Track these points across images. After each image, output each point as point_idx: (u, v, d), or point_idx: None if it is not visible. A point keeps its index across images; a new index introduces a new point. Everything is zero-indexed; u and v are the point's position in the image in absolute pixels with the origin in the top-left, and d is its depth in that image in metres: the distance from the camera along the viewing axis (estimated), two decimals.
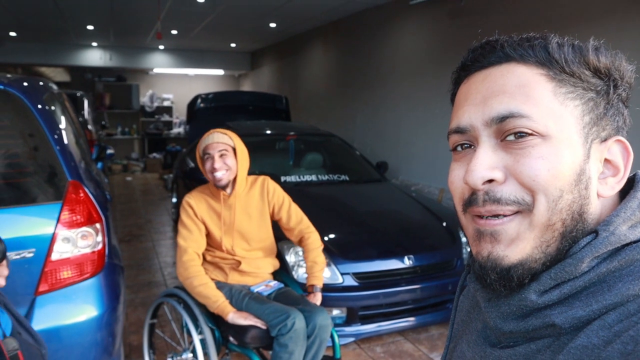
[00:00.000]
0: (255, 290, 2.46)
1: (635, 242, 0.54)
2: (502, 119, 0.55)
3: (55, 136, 2.26)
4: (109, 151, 4.44)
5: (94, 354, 2.21)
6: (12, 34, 9.56)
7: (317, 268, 2.50)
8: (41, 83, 2.80)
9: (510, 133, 0.55)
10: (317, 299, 2.42)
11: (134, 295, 4.22)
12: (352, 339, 3.23)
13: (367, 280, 3.23)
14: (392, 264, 3.31)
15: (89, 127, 7.94)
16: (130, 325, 3.61)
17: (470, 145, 0.60)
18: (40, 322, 2.02)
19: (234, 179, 2.41)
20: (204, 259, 2.49)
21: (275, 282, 2.57)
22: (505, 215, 0.56)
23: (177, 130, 13.09)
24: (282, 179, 4.37)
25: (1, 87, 2.17)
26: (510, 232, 0.56)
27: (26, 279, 2.02)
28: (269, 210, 2.54)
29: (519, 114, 0.55)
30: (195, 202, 2.43)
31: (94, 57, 11.51)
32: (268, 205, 2.53)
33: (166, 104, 13.54)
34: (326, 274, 3.07)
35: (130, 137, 13.08)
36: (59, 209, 2.11)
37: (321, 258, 2.53)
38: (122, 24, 8.66)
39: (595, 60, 0.56)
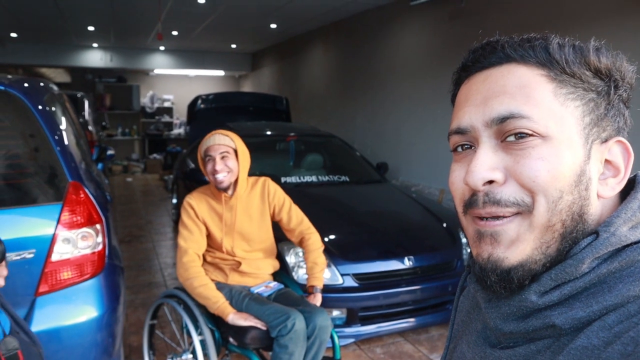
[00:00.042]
0: (255, 291, 2.46)
1: (635, 243, 0.54)
2: (503, 119, 0.55)
3: (56, 137, 2.26)
4: (110, 152, 4.44)
5: (94, 355, 2.21)
6: (13, 34, 9.57)
7: (317, 269, 2.50)
8: (42, 84, 2.80)
9: (510, 134, 0.55)
10: (317, 299, 2.42)
11: (134, 296, 4.22)
12: (352, 340, 3.23)
13: (367, 281, 3.22)
14: (392, 265, 3.30)
15: (90, 128, 7.95)
16: (130, 326, 3.61)
17: (470, 146, 0.60)
18: (41, 322, 2.02)
19: (235, 181, 2.41)
20: (204, 259, 2.49)
21: (275, 283, 2.57)
22: (505, 217, 0.56)
23: (178, 131, 13.09)
24: (283, 179, 4.37)
25: (2, 88, 2.17)
26: (510, 233, 0.56)
27: (26, 279, 2.02)
28: (269, 212, 2.54)
29: (520, 115, 0.54)
30: (197, 202, 2.42)
31: (95, 58, 11.51)
32: (269, 207, 2.53)
33: (166, 104, 13.54)
34: (326, 274, 3.07)
35: (131, 138, 13.09)
36: (60, 209, 2.11)
37: (322, 259, 2.53)
38: (122, 24, 8.67)
39: (596, 61, 0.56)
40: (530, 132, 0.54)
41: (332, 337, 2.43)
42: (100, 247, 2.21)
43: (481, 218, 0.57)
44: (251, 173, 2.53)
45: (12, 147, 2.30)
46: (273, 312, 2.21)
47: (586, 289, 0.54)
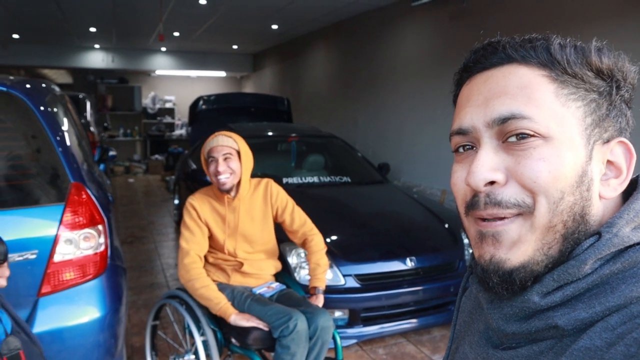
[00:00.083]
0: (257, 291, 2.46)
1: (638, 243, 0.54)
2: (504, 120, 0.55)
3: (58, 138, 2.26)
4: (111, 153, 4.44)
5: (97, 356, 2.21)
6: (15, 36, 9.59)
7: (319, 270, 2.50)
8: (44, 85, 2.81)
9: (512, 134, 0.55)
10: (319, 300, 2.42)
11: (136, 296, 4.22)
12: (354, 341, 3.22)
13: (369, 282, 3.22)
14: (394, 266, 3.30)
15: (92, 128, 7.95)
16: (133, 326, 3.61)
17: (472, 146, 0.60)
18: (43, 323, 2.03)
19: (238, 182, 2.41)
20: (206, 260, 2.49)
21: (277, 283, 2.57)
22: (506, 218, 0.56)
23: (179, 132, 13.11)
24: (284, 180, 4.38)
25: (4, 89, 2.18)
26: (511, 234, 0.56)
27: (29, 280, 2.03)
28: (272, 213, 2.54)
29: (521, 116, 0.54)
30: (199, 204, 2.42)
31: (96, 59, 11.53)
32: (271, 208, 2.53)
33: (168, 105, 13.56)
34: (328, 275, 3.07)
35: (133, 138, 13.11)
36: (62, 210, 2.11)
37: (324, 260, 2.53)
38: (124, 25, 8.69)
39: (597, 62, 0.56)
40: (531, 133, 0.54)
41: (334, 338, 2.43)
42: (102, 248, 2.21)
43: (483, 219, 0.57)
44: (253, 174, 2.53)
45: (14, 148, 2.30)
46: (275, 313, 2.20)
47: (589, 290, 0.53)
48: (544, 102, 0.55)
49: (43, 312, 2.04)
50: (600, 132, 0.56)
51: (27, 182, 2.23)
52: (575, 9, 4.04)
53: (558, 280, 0.54)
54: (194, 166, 5.53)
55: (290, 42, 10.33)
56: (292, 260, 3.17)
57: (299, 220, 2.56)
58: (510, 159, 0.55)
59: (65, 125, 2.63)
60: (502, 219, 0.56)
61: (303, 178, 4.59)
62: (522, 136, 0.54)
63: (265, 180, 2.58)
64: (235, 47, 11.53)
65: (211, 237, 2.44)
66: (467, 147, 0.61)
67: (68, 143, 2.38)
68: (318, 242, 2.55)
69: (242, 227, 2.43)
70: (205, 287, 2.30)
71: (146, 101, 13.26)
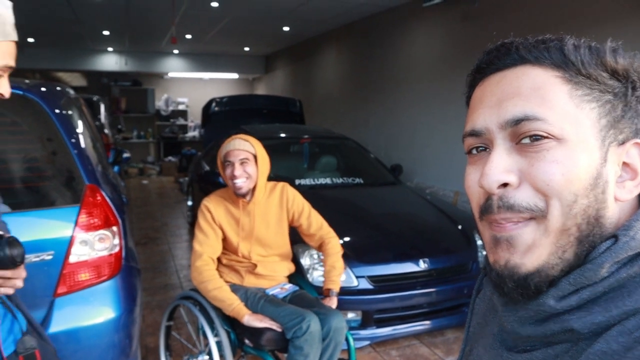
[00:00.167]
0: (270, 292, 2.46)
1: None
2: (517, 121, 0.55)
3: (73, 140, 2.28)
4: (125, 155, 4.48)
5: (112, 356, 2.23)
6: (30, 40, 9.71)
7: (334, 273, 2.49)
8: (59, 88, 2.84)
9: (525, 136, 0.55)
10: (332, 302, 2.41)
11: (150, 297, 4.25)
12: (367, 342, 3.22)
13: (382, 284, 3.22)
14: (408, 267, 3.29)
15: (106, 131, 8.01)
16: (147, 327, 3.63)
17: (485, 148, 0.60)
18: (59, 323, 2.05)
19: (254, 186, 2.40)
20: (220, 261, 2.50)
21: (291, 284, 2.57)
22: (519, 222, 0.55)
23: (192, 133, 13.19)
24: (297, 182, 4.38)
25: (20, 92, 2.20)
26: (525, 238, 0.55)
27: (45, 281, 2.05)
28: (287, 218, 2.53)
29: (534, 117, 0.54)
30: (214, 206, 2.43)
31: (110, 62, 11.64)
32: (287, 213, 2.52)
33: (181, 107, 13.64)
34: (341, 277, 3.07)
35: (146, 140, 13.20)
36: (77, 212, 2.13)
37: (340, 263, 2.52)
38: (137, 29, 8.76)
39: (612, 62, 0.55)
40: (545, 135, 0.54)
41: (347, 340, 2.43)
42: (117, 249, 2.23)
43: (496, 223, 0.57)
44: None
45: (30, 150, 2.33)
46: (288, 314, 2.21)
47: (605, 294, 0.53)
48: (557, 103, 0.54)
49: (59, 312, 2.06)
50: (616, 133, 0.56)
51: (43, 184, 2.26)
52: (589, 9, 4.00)
53: (574, 284, 0.54)
54: (207, 168, 5.56)
55: (301, 43, 10.35)
56: (305, 261, 3.18)
57: (316, 224, 2.55)
58: (524, 160, 0.55)
59: (80, 128, 2.65)
60: (515, 222, 0.55)
61: (315, 179, 4.59)
62: (535, 138, 0.54)
63: (281, 184, 2.57)
64: (247, 49, 11.58)
65: (225, 240, 2.45)
66: (481, 148, 0.60)
67: (83, 145, 2.41)
68: (334, 245, 2.54)
69: (257, 231, 2.43)
70: (218, 288, 2.31)
71: (159, 103, 13.35)
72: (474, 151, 0.61)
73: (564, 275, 0.55)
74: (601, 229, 0.55)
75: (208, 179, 5.19)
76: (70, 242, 2.09)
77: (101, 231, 2.18)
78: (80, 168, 2.22)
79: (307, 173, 4.85)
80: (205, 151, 6.29)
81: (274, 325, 2.22)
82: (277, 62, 12.29)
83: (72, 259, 2.09)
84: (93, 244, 2.14)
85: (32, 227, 2.06)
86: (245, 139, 2.38)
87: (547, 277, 0.55)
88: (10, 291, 1.25)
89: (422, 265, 3.29)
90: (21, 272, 1.25)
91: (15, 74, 1.19)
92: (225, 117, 6.81)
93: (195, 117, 13.22)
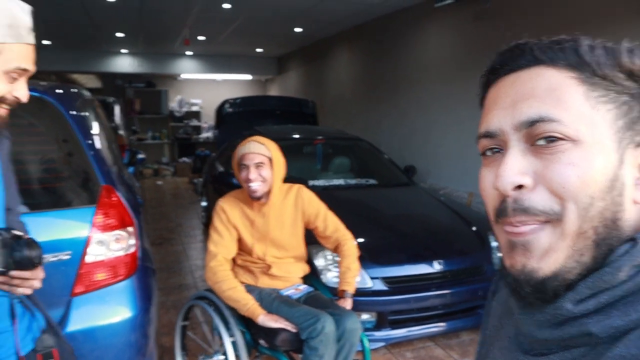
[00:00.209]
0: (285, 293, 2.46)
1: None
2: (532, 123, 0.54)
3: (89, 142, 2.30)
4: (140, 156, 4.51)
5: (128, 355, 2.24)
6: (46, 42, 9.82)
7: (350, 274, 2.48)
8: (74, 90, 2.86)
9: (540, 137, 0.54)
10: (347, 304, 2.40)
11: (165, 297, 4.28)
12: (382, 344, 3.21)
13: (396, 285, 3.21)
14: (422, 269, 3.28)
15: (120, 132, 8.06)
16: (163, 327, 3.65)
17: (500, 149, 0.59)
18: (77, 322, 2.06)
19: (269, 189, 2.39)
20: (235, 262, 2.51)
21: (305, 285, 2.57)
22: (535, 225, 0.55)
23: (206, 134, 13.26)
24: (310, 183, 4.38)
25: (37, 94, 2.22)
26: (542, 242, 0.54)
27: (63, 280, 2.07)
28: (302, 220, 2.52)
29: (549, 118, 0.53)
30: (229, 207, 2.43)
31: (124, 63, 11.75)
32: (302, 215, 2.51)
33: (195, 109, 13.71)
34: (356, 278, 3.07)
35: (161, 141, 13.30)
36: (93, 212, 2.15)
37: (355, 265, 2.51)
38: (150, 31, 8.83)
39: (628, 63, 0.54)
40: (560, 136, 0.53)
41: (362, 341, 2.42)
42: (132, 249, 2.24)
43: (512, 226, 0.56)
44: None
45: (47, 152, 2.35)
46: (303, 314, 2.21)
47: (624, 297, 0.52)
48: (573, 104, 0.53)
49: (76, 312, 2.08)
50: (633, 135, 0.54)
51: (60, 184, 2.28)
52: (605, 9, 3.96)
53: (592, 287, 0.53)
54: (221, 169, 5.58)
55: (314, 44, 10.36)
56: (319, 262, 3.17)
57: (332, 226, 2.53)
58: (539, 162, 0.54)
59: (96, 129, 2.67)
60: (530, 225, 0.55)
61: (329, 181, 4.59)
62: (550, 139, 0.53)
63: (296, 186, 2.56)
64: (259, 50, 11.62)
65: (240, 241, 2.45)
66: (495, 150, 0.59)
67: (98, 146, 2.43)
68: (350, 247, 2.53)
69: (272, 233, 2.43)
70: (233, 288, 2.31)
71: (173, 104, 13.44)
72: (489, 153, 0.61)
73: (581, 279, 0.54)
74: (619, 232, 0.54)
75: (222, 179, 5.21)
76: (86, 242, 2.11)
77: (117, 231, 2.19)
78: (96, 169, 2.24)
79: (321, 174, 4.85)
80: (219, 152, 6.32)
81: (289, 326, 2.21)
82: (289, 63, 12.32)
83: (89, 259, 2.11)
84: (109, 244, 2.16)
85: (50, 228, 2.08)
86: (261, 142, 2.36)
87: (565, 281, 0.54)
88: (29, 291, 1.26)
89: (437, 266, 3.28)
90: (39, 273, 1.26)
91: (31, 76, 1.21)
92: (238, 118, 6.83)
93: (208, 118, 13.29)
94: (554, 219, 0.53)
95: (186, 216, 7.74)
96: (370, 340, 2.96)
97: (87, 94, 3.22)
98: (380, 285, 3.16)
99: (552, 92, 0.54)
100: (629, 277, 0.52)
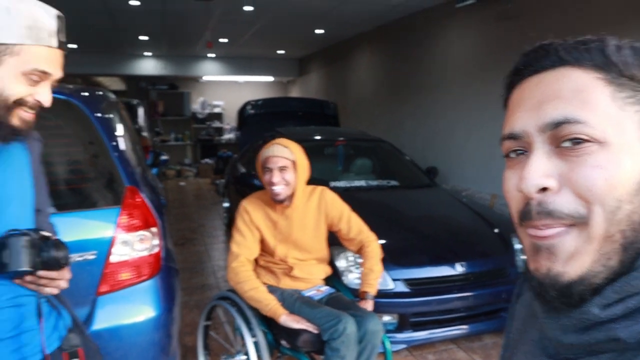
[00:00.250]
0: (307, 294, 2.47)
1: None
2: (557, 124, 0.53)
3: (113, 143, 2.34)
4: (164, 157, 4.56)
5: (152, 354, 2.27)
6: (73, 46, 10.01)
7: (372, 276, 2.47)
8: (100, 93, 2.91)
9: (566, 139, 0.53)
10: (368, 305, 2.40)
11: (188, 297, 4.32)
12: (403, 346, 3.19)
13: (418, 287, 3.19)
14: (444, 271, 3.26)
15: (144, 133, 8.17)
16: (186, 326, 3.68)
17: (524, 151, 0.58)
18: (102, 321, 2.10)
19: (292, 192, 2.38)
20: (257, 262, 2.52)
21: (327, 287, 2.56)
22: (560, 228, 0.54)
23: (228, 136, 13.36)
24: (332, 184, 4.38)
25: (64, 97, 2.26)
26: (567, 246, 0.53)
27: (88, 279, 2.10)
28: (325, 222, 2.50)
29: (575, 120, 0.52)
30: (253, 208, 2.43)
31: (148, 66, 11.91)
32: (325, 218, 2.49)
33: (217, 110, 13.83)
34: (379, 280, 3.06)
35: (183, 143, 13.45)
36: (118, 213, 2.18)
37: (378, 267, 2.49)
38: (174, 34, 8.93)
39: None
40: (586, 138, 0.52)
41: (383, 343, 2.41)
42: (156, 250, 2.27)
43: (536, 229, 0.55)
44: None
45: (73, 153, 2.39)
46: (324, 315, 2.21)
47: None
48: (599, 105, 0.52)
49: (102, 311, 2.11)
50: None
51: (85, 185, 2.32)
52: (633, 7, 3.88)
53: (620, 292, 0.52)
54: (243, 170, 5.61)
55: (335, 46, 10.36)
56: (341, 263, 3.17)
57: (356, 228, 2.52)
58: (564, 165, 0.53)
59: (120, 131, 2.71)
60: (555, 229, 0.54)
61: (350, 182, 4.58)
62: (576, 141, 0.52)
63: (320, 188, 2.54)
64: (281, 52, 11.67)
65: (262, 242, 2.45)
66: (519, 152, 0.59)
67: (123, 148, 2.46)
68: (374, 249, 2.51)
69: (294, 235, 2.43)
70: (255, 289, 2.32)
71: (195, 106, 13.57)
72: (513, 155, 0.60)
73: (608, 283, 0.53)
74: None
75: (244, 181, 5.24)
76: (111, 242, 2.14)
77: (141, 232, 2.22)
78: (121, 170, 2.27)
79: (342, 175, 4.85)
80: (241, 153, 6.36)
81: (311, 327, 2.21)
82: (311, 65, 12.34)
83: (114, 258, 2.14)
84: (133, 245, 2.19)
85: (76, 228, 2.12)
86: (285, 145, 2.35)
87: (591, 285, 0.53)
88: (55, 291, 1.28)
89: (459, 268, 3.25)
90: (65, 274, 1.29)
91: (59, 80, 1.22)
92: (260, 120, 6.87)
93: (230, 120, 13.39)
94: (580, 223, 0.52)
95: (208, 217, 7.81)
96: (391, 342, 2.94)
97: (111, 96, 3.26)
98: (402, 287, 3.15)
99: (578, 94, 0.53)
100: None
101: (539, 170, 0.54)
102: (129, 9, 6.82)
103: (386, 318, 3.14)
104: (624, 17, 3.96)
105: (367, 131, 6.34)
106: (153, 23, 7.90)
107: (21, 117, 1.15)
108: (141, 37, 9.30)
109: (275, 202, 2.38)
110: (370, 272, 2.47)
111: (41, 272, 1.22)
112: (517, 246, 3.45)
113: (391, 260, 3.20)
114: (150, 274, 2.23)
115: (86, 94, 2.56)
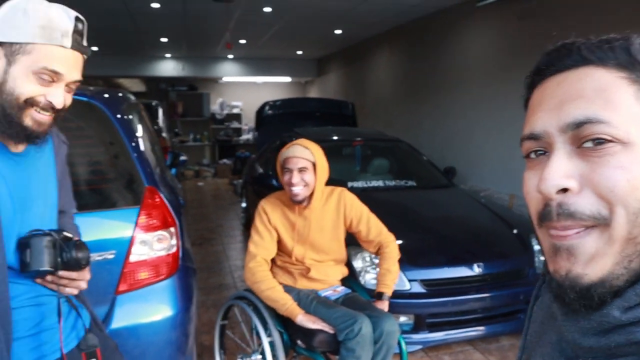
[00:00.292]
0: (323, 294, 2.47)
1: None
2: (579, 124, 0.52)
3: (133, 144, 2.37)
4: (182, 158, 4.60)
5: (169, 352, 2.29)
6: (94, 48, 10.15)
7: (389, 277, 2.46)
8: (120, 94, 2.95)
9: (587, 139, 0.52)
10: (384, 306, 2.40)
11: (205, 297, 4.35)
12: (419, 347, 3.18)
13: (435, 288, 3.18)
14: (461, 272, 3.24)
15: (163, 134, 8.26)
16: (202, 325, 3.72)
17: (544, 152, 0.57)
18: (121, 319, 2.13)
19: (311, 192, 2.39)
20: (274, 262, 2.53)
21: (343, 287, 2.57)
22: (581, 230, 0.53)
23: (246, 136, 13.43)
24: (349, 184, 4.38)
25: (85, 99, 2.30)
26: (587, 248, 0.53)
27: (107, 278, 2.13)
28: (344, 224, 2.50)
29: (597, 120, 0.51)
30: (271, 208, 2.44)
31: (168, 67, 12.03)
32: (344, 219, 2.49)
33: (235, 111, 13.90)
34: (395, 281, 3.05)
35: (202, 143, 13.55)
36: (137, 213, 2.21)
37: (395, 267, 2.49)
38: (193, 35, 9.01)
39: None
40: (609, 138, 0.51)
41: (399, 343, 2.41)
42: (174, 249, 2.29)
43: (556, 230, 0.55)
44: None
45: (94, 154, 2.43)
46: (340, 316, 2.21)
47: None
48: (623, 105, 0.52)
49: (120, 309, 2.14)
50: None
51: (106, 186, 2.35)
52: None
53: None
54: (260, 170, 5.64)
55: (353, 46, 10.35)
56: (357, 264, 3.17)
57: (375, 230, 2.51)
58: (585, 165, 0.53)
59: (140, 132, 2.74)
60: (576, 230, 0.53)
61: (368, 182, 4.58)
62: (599, 141, 0.52)
63: (339, 189, 2.54)
64: (299, 52, 11.69)
65: (280, 242, 2.46)
66: (540, 152, 0.58)
67: (142, 149, 2.49)
68: (393, 250, 2.51)
69: (312, 236, 2.43)
70: (272, 288, 2.33)
71: (214, 107, 13.66)
72: (533, 155, 0.59)
73: (629, 286, 0.52)
74: None
75: (262, 181, 5.27)
76: (130, 242, 2.17)
77: (160, 232, 2.25)
78: (140, 171, 2.30)
79: (360, 175, 4.85)
80: (259, 154, 6.39)
81: (327, 327, 2.22)
82: (329, 65, 12.34)
83: (133, 258, 2.17)
84: (152, 244, 2.22)
85: (95, 228, 2.15)
86: (306, 146, 2.35)
87: (612, 288, 0.52)
88: (75, 291, 1.31)
89: (476, 269, 3.23)
90: (85, 274, 1.31)
91: (79, 82, 1.22)
92: (278, 120, 6.90)
93: (249, 121, 13.44)
94: (601, 224, 0.52)
95: (226, 217, 7.86)
96: (407, 343, 2.93)
97: (132, 97, 3.30)
98: (418, 288, 3.14)
99: (601, 93, 0.53)
100: None
101: (560, 171, 0.53)
102: (150, 12, 6.90)
103: (402, 319, 3.13)
104: None
105: (386, 131, 6.32)
106: (173, 25, 7.98)
107: (34, 118, 1.14)
108: (162, 39, 9.40)
109: (294, 203, 2.39)
110: (388, 272, 2.46)
111: (62, 273, 1.24)
112: (537, 247, 3.42)
113: (408, 260, 3.18)
114: (168, 273, 2.26)
115: (107, 95, 2.60)
